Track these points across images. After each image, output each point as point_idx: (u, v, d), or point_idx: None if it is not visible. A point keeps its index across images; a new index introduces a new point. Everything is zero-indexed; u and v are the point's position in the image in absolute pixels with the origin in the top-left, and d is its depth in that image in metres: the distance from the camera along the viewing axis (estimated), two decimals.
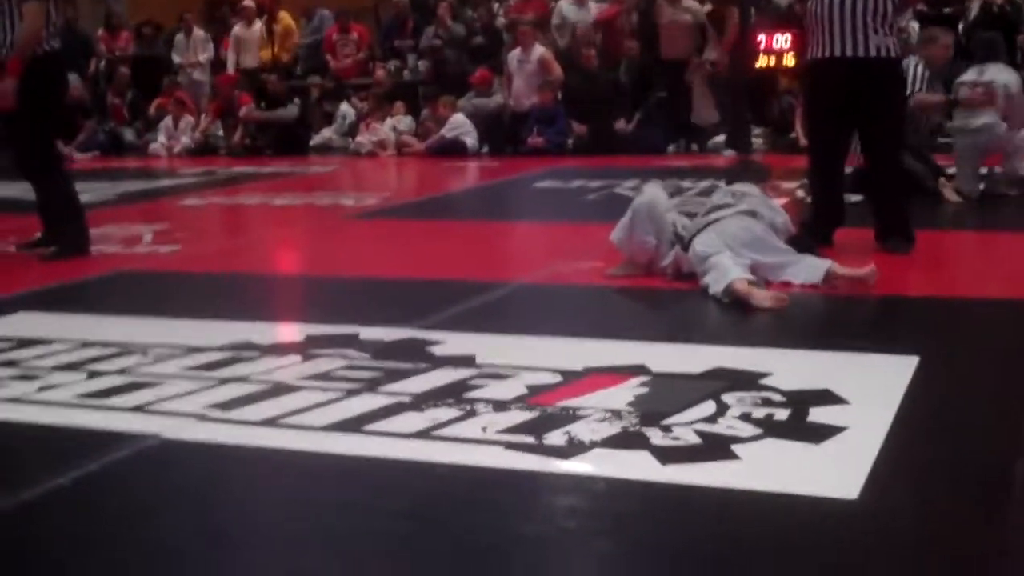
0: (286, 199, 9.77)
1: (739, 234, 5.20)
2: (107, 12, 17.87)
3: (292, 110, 14.53)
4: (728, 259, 5.00)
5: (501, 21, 15.65)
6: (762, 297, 4.81)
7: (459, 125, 13.25)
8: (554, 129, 12.98)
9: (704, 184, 7.63)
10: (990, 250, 6.49)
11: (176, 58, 16.52)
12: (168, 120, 15.08)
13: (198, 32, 16.67)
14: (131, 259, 6.75)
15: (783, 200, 6.05)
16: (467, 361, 4.03)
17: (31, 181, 6.94)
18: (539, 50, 13.24)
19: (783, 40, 12.66)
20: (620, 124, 12.79)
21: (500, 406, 3.52)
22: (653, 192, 5.63)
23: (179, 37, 16.74)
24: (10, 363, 4.29)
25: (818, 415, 3.34)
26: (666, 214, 5.43)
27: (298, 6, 17.12)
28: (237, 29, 16.21)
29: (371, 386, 3.79)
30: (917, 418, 3.36)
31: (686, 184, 8.51)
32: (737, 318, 4.77)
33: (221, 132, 14.96)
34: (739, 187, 5.71)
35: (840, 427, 3.23)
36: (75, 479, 3.10)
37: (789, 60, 12.22)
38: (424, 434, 3.30)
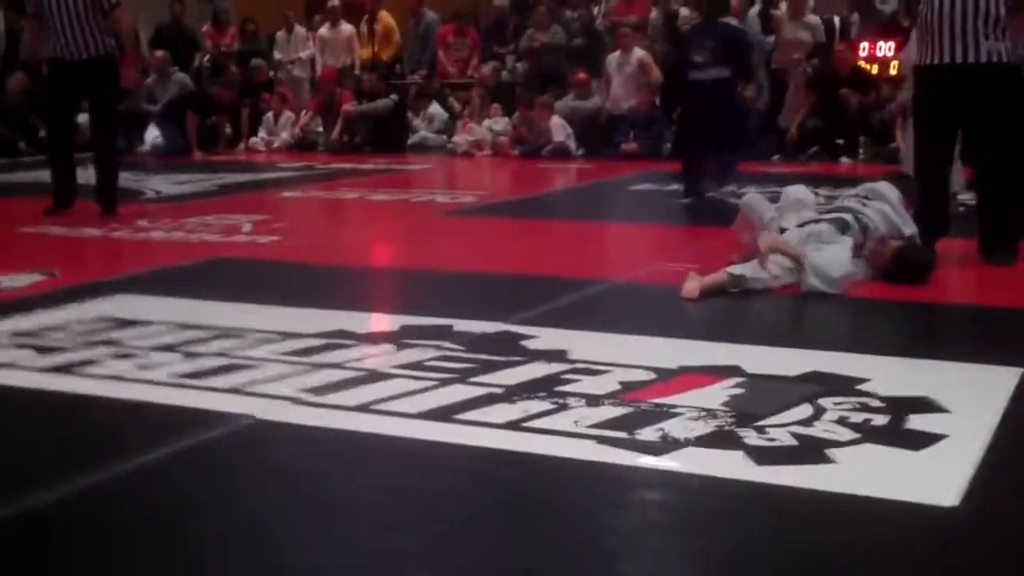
0: (383, 195, 9.84)
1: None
2: (215, 9, 18.17)
3: (388, 103, 14.63)
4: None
5: (601, 23, 15.64)
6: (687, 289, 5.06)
7: (559, 129, 13.24)
8: (650, 133, 12.92)
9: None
10: None
11: (277, 55, 16.74)
12: (269, 115, 15.27)
13: (299, 29, 16.87)
14: (231, 247, 6.85)
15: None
16: (560, 356, 4.02)
17: (108, 153, 8.35)
18: (638, 53, 13.20)
19: (887, 48, 12.50)
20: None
21: (593, 401, 3.50)
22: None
23: (280, 34, 16.96)
24: (109, 342, 4.37)
25: (917, 422, 3.28)
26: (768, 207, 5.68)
27: (402, 6, 17.25)
28: (323, 30, 16.39)
29: (464, 376, 3.79)
30: (1019, 429, 3.28)
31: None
32: (835, 323, 4.70)
33: (321, 128, 15.11)
34: (879, 187, 5.70)
35: (940, 435, 3.16)
36: (171, 455, 3.15)
37: (893, 68, 12.04)
38: (515, 425, 3.29)
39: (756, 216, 5.66)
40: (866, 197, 5.65)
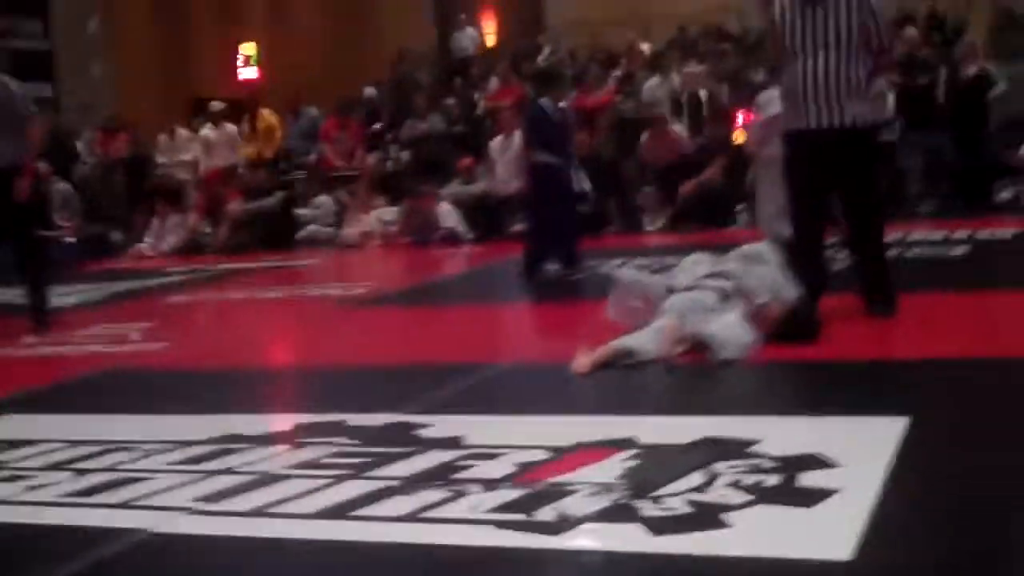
0: (273, 292, 9.79)
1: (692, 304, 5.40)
2: (107, 115, 18.01)
3: (274, 201, 14.61)
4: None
5: (481, 109, 15.85)
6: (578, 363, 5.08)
7: (448, 215, 13.30)
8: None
9: None
10: (974, 310, 6.50)
11: (160, 159, 16.64)
12: (155, 220, 15.13)
13: (181, 132, 16.84)
14: (120, 357, 6.74)
15: None
16: (455, 442, 4.02)
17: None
18: (519, 136, 13.34)
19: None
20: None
21: (489, 485, 3.50)
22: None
23: (162, 137, 16.91)
24: None
25: (808, 479, 3.33)
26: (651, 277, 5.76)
27: (284, 103, 17.34)
28: (205, 131, 16.37)
29: (359, 472, 3.76)
30: (908, 479, 3.34)
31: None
32: (725, 387, 4.77)
33: (208, 229, 15.00)
34: (759, 249, 5.85)
35: (831, 490, 3.21)
36: None
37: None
38: (413, 516, 3.28)
39: (639, 288, 5.73)
40: (746, 260, 5.75)
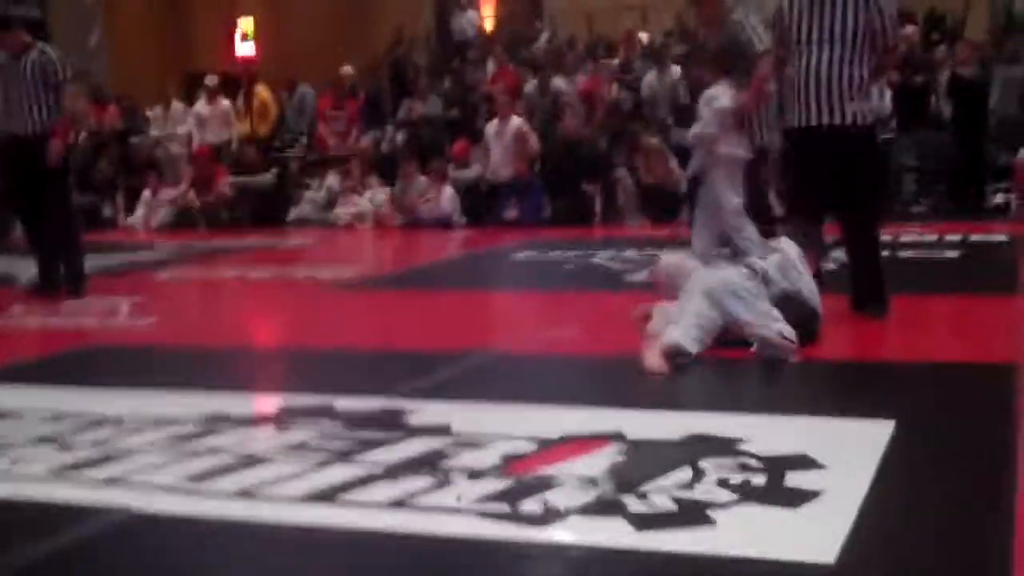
0: (262, 272, 9.76)
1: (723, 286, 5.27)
2: (93, 85, 17.92)
3: (268, 178, 14.56)
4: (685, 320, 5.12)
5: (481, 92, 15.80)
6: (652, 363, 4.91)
7: (450, 198, 13.27)
8: (530, 202, 13.04)
9: None
10: (965, 313, 6.51)
11: (154, 132, 16.59)
12: (147, 193, 15.07)
13: (176, 105, 16.77)
14: (107, 332, 6.71)
15: None
16: (442, 430, 4.01)
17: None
18: (515, 121, 13.33)
19: None
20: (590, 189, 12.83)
21: (475, 475, 3.49)
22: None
23: (157, 110, 16.84)
24: None
25: (795, 480, 3.33)
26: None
27: (280, 81, 17.27)
28: (199, 106, 16.32)
29: (345, 456, 3.75)
30: (894, 482, 3.34)
31: None
32: (714, 385, 4.77)
33: (199, 205, 14.93)
34: (779, 243, 5.76)
35: (817, 491, 3.22)
36: (45, 554, 3.06)
37: None
38: (398, 504, 3.27)
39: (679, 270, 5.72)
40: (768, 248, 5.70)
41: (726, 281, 5.28)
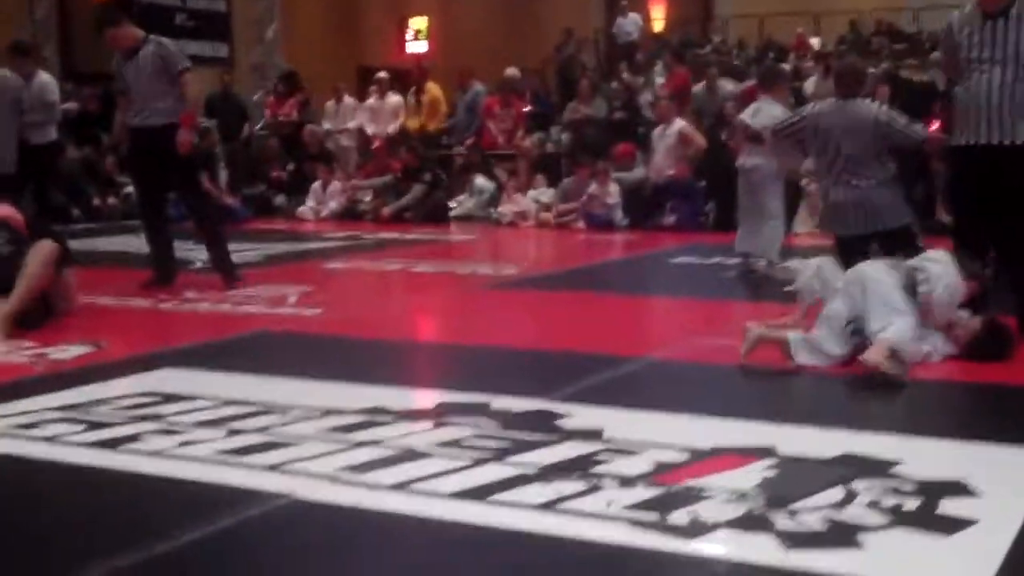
0: (427, 266, 9.95)
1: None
2: (277, 79, 18.48)
3: (421, 188, 14.76)
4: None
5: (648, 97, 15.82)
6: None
7: (616, 197, 13.32)
8: (689, 206, 12.97)
9: None
10: None
11: (326, 124, 17.03)
12: (317, 184, 15.47)
13: (348, 100, 17.20)
14: (275, 320, 6.94)
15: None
16: (595, 435, 4.06)
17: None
18: (678, 123, 13.29)
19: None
20: None
21: (626, 482, 3.53)
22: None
23: (329, 104, 17.30)
24: (153, 417, 4.45)
25: (949, 507, 3.28)
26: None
27: (449, 78, 17.55)
28: (370, 100, 16.67)
29: (499, 456, 3.84)
30: None
31: None
32: (870, 403, 4.71)
33: (368, 198, 15.26)
34: (933, 254, 5.68)
35: (971, 520, 3.17)
36: (208, 534, 3.21)
37: None
38: (548, 506, 3.33)
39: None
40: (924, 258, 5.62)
41: (872, 286, 5.32)
